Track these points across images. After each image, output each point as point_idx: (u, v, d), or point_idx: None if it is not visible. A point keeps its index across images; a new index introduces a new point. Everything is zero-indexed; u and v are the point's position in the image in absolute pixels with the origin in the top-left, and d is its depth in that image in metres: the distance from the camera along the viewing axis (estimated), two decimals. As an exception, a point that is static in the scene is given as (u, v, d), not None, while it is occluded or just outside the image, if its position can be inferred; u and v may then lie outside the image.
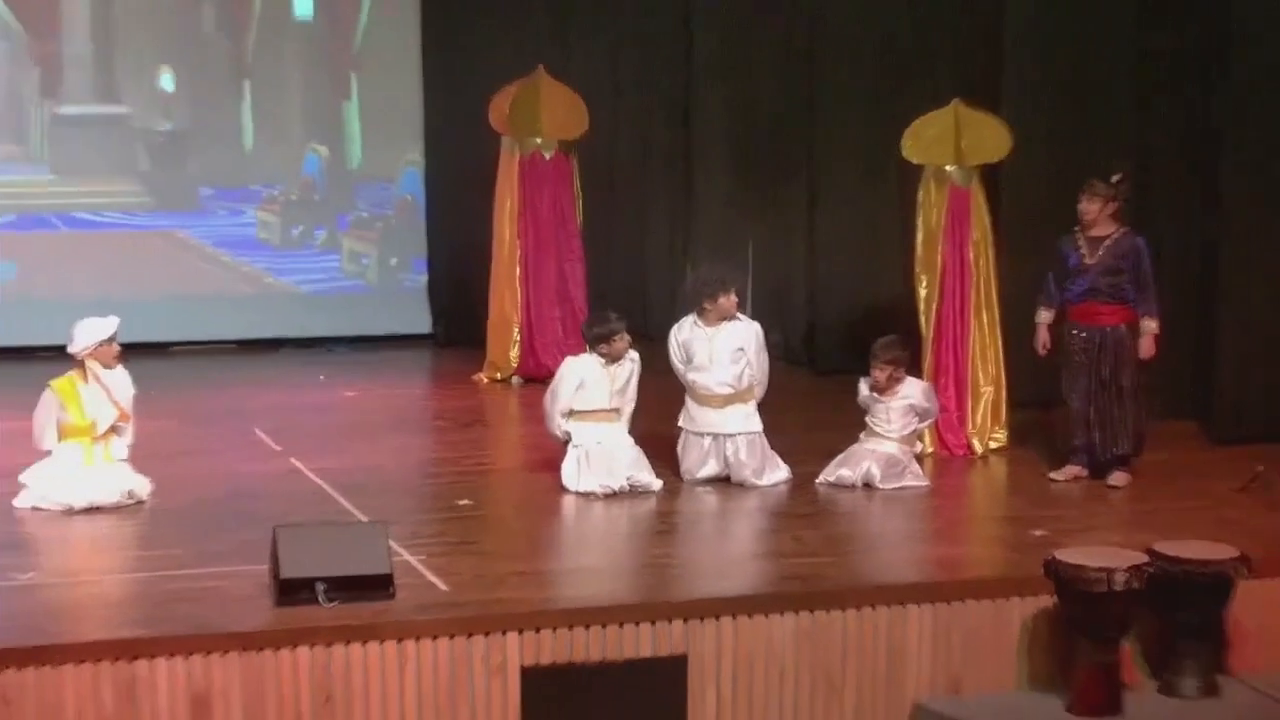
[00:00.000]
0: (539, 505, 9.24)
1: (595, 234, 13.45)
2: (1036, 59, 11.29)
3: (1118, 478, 9.51)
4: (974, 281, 10.19)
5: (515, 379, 12.87)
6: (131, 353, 9.46)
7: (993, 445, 10.28)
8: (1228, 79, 10.39)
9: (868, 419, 9.67)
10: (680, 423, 9.68)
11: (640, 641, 7.34)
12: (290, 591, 7.20)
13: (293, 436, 10.75)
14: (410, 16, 14.87)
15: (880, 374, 9.61)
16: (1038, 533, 8.51)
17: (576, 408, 9.40)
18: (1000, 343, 10.26)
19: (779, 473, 9.63)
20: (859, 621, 7.58)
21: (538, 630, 7.22)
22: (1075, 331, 9.54)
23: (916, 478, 9.59)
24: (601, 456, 9.32)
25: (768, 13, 13.85)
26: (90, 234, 14.61)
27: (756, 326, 9.74)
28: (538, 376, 12.12)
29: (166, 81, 14.70)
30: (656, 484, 9.38)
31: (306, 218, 15.08)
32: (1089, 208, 9.45)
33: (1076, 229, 9.53)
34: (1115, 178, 9.51)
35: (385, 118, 15.01)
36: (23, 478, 9.00)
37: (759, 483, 9.52)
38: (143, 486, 9.12)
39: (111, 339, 9.08)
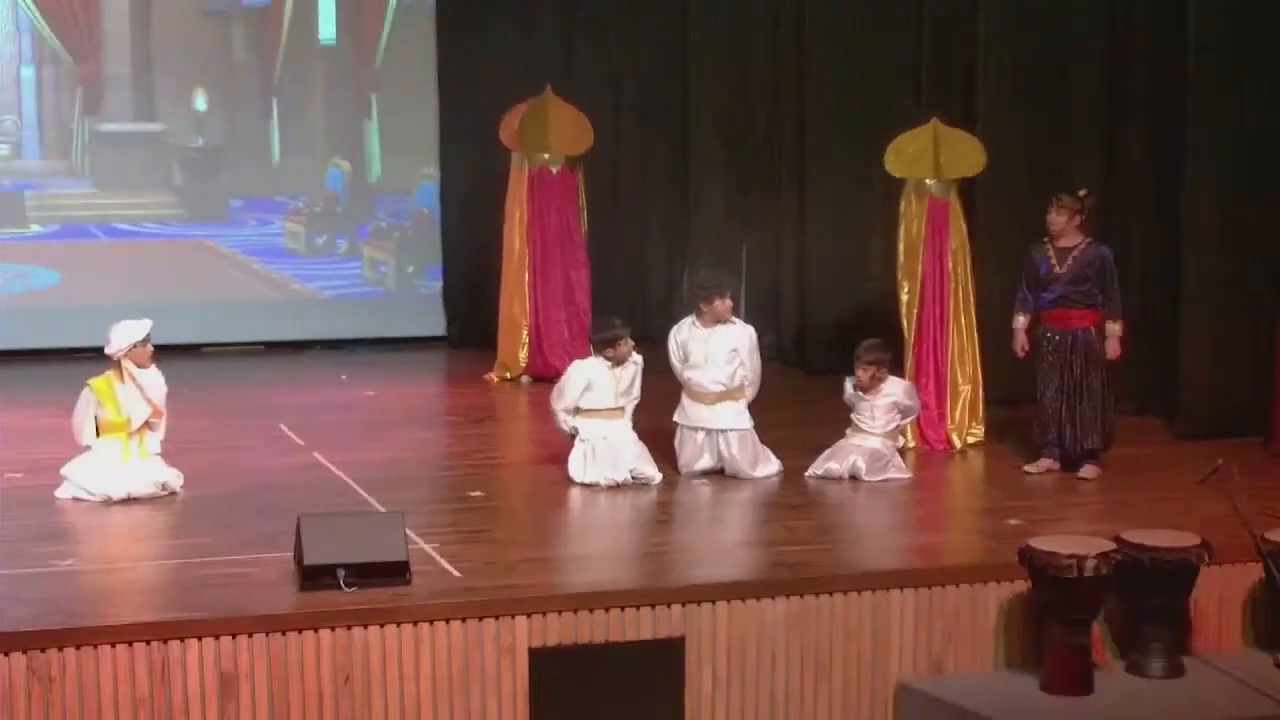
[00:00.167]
0: (546, 496, 9.19)
1: (599, 243, 13.43)
2: (1008, 80, 11.26)
3: (1088, 470, 9.48)
4: (952, 287, 10.17)
5: (524, 378, 12.82)
6: (165, 354, 9.41)
7: (970, 440, 10.24)
8: (1190, 94, 10.35)
9: (853, 416, 9.63)
10: (675, 418, 9.64)
11: (641, 624, 7.29)
12: (313, 577, 7.15)
13: (316, 432, 10.70)
14: (427, 41, 14.84)
15: (864, 373, 9.57)
16: (1013, 522, 8.47)
17: (584, 406, 9.36)
18: (977, 344, 10.23)
19: (770, 466, 9.58)
20: (846, 606, 7.53)
21: (545, 614, 7.17)
22: (1048, 334, 9.52)
23: (899, 471, 9.55)
24: (606, 451, 9.28)
25: (759, 39, 13.83)
26: (128, 243, 14.57)
27: (751, 330, 9.71)
28: (545, 376, 12.08)
29: (200, 101, 14.66)
30: (657, 477, 9.33)
31: (330, 228, 15.05)
32: (1056, 219, 9.45)
33: (1046, 239, 9.52)
34: (1082, 192, 9.52)
35: (403, 135, 14.98)
36: (64, 470, 8.95)
37: (752, 475, 9.47)
38: (175, 479, 9.06)
39: (145, 340, 9.03)
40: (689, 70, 14.62)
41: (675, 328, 9.76)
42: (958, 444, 10.19)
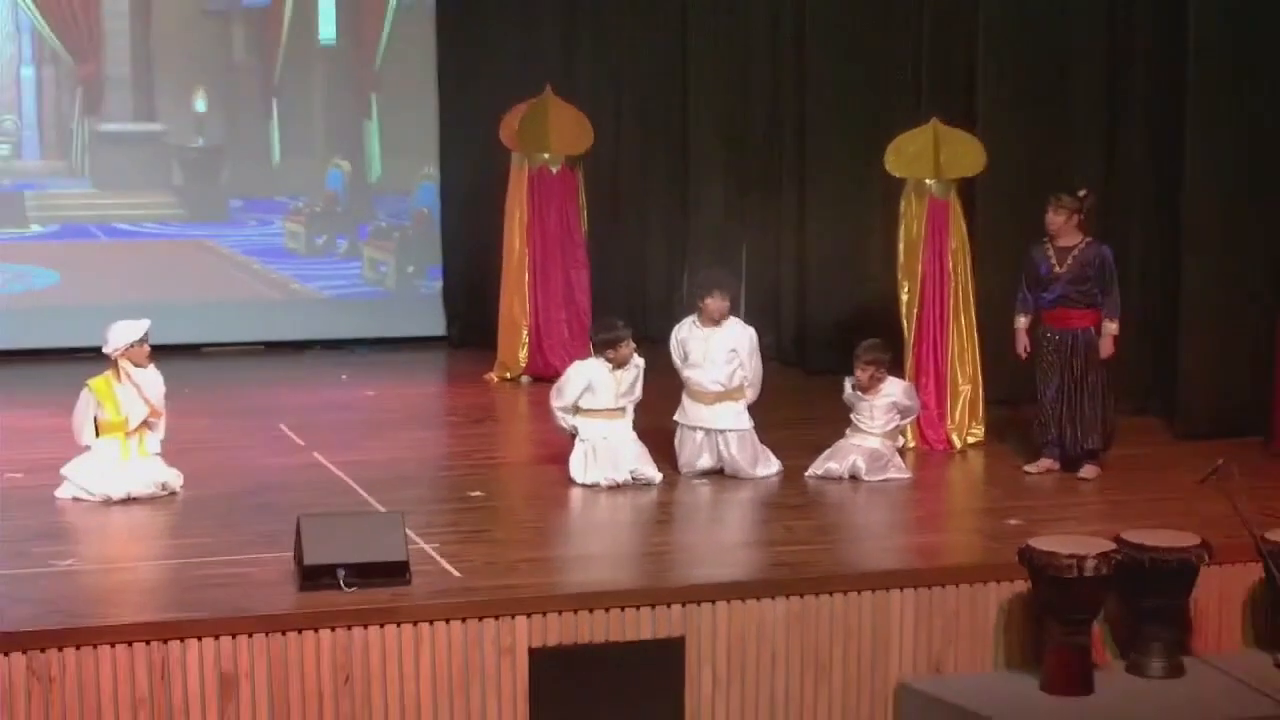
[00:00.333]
0: (546, 496, 9.18)
1: (599, 243, 13.42)
2: (1008, 80, 11.26)
3: (1088, 470, 9.47)
4: (952, 287, 10.16)
5: (524, 378, 12.81)
6: (166, 354, 9.42)
7: (970, 440, 10.23)
8: (1190, 94, 10.35)
9: (852, 416, 9.62)
10: (675, 417, 9.64)
11: (641, 624, 7.29)
12: (313, 577, 7.14)
13: (316, 432, 10.69)
14: (427, 41, 14.83)
15: (863, 374, 9.57)
16: (1013, 522, 8.46)
17: (583, 406, 9.35)
18: (977, 344, 10.22)
19: (770, 466, 9.58)
20: (846, 606, 7.52)
21: (545, 614, 7.17)
22: (1049, 334, 9.52)
23: (899, 471, 9.54)
24: (607, 451, 9.27)
25: (759, 39, 13.82)
26: (128, 243, 14.56)
27: (751, 331, 9.71)
28: (545, 376, 12.07)
29: (200, 102, 14.65)
30: (657, 477, 9.32)
31: (330, 228, 15.04)
32: (1054, 219, 9.45)
33: (1046, 239, 9.51)
34: (1081, 192, 9.51)
35: (403, 135, 14.97)
36: (64, 470, 8.94)
37: (752, 475, 9.47)
38: (175, 479, 9.06)
39: (143, 340, 9.02)
40: (689, 70, 14.63)
41: (677, 326, 9.78)
42: (958, 444, 10.19)
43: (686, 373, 9.61)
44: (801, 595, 7.48)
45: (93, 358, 9.59)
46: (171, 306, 13.46)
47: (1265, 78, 10.29)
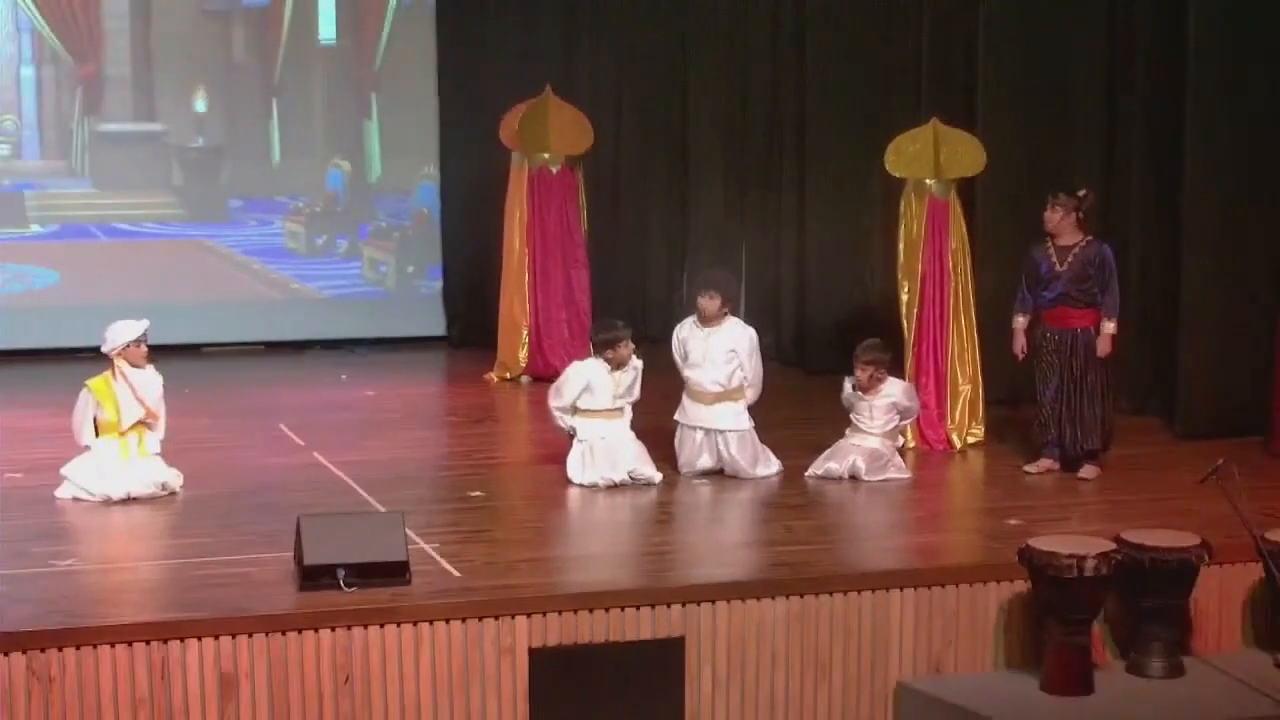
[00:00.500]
0: (546, 496, 9.18)
1: (599, 242, 13.42)
2: (1008, 80, 11.26)
3: (1088, 470, 9.47)
4: (952, 287, 10.16)
5: (524, 378, 12.81)
6: (166, 354, 9.43)
7: (970, 440, 10.23)
8: (1190, 94, 10.35)
9: (852, 416, 9.62)
10: (676, 416, 9.64)
11: (641, 624, 7.28)
12: (313, 577, 7.14)
13: (316, 432, 10.69)
14: (427, 41, 14.83)
15: (863, 374, 9.57)
16: (1012, 522, 8.46)
17: (582, 407, 9.35)
18: (977, 344, 10.22)
19: (770, 466, 9.58)
20: (845, 606, 7.52)
21: (545, 613, 7.17)
22: (1048, 334, 9.51)
23: (899, 470, 9.54)
24: (605, 451, 9.27)
25: (759, 39, 13.83)
26: (128, 243, 14.56)
27: (751, 331, 9.70)
28: (545, 376, 12.05)
29: (200, 102, 14.65)
30: (656, 477, 9.32)
31: (330, 228, 15.04)
32: (1052, 217, 9.45)
33: (1047, 239, 9.51)
34: (1081, 192, 9.50)
35: (403, 135, 14.97)
36: (64, 470, 8.94)
37: (752, 475, 9.47)
38: (175, 479, 9.06)
39: (140, 340, 9.02)
40: (689, 70, 14.64)
41: (678, 326, 9.79)
42: (958, 444, 10.19)
43: (686, 372, 9.61)
44: (801, 595, 7.47)
45: (93, 358, 9.59)
46: (171, 306, 13.48)
47: (1265, 78, 10.29)
